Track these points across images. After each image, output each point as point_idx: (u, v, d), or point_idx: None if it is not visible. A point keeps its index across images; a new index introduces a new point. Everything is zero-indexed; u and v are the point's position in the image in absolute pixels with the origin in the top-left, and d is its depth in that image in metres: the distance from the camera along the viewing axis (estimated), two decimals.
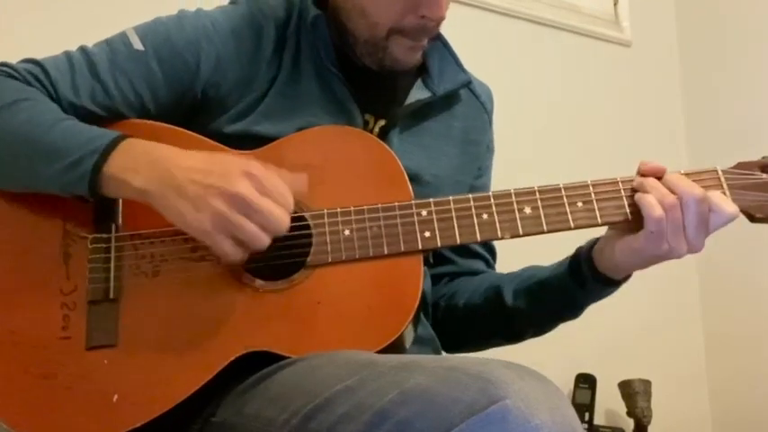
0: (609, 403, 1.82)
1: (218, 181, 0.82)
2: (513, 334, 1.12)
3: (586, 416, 1.68)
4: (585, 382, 1.71)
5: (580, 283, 1.00)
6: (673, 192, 0.90)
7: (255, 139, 0.99)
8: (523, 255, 1.08)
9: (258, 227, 0.82)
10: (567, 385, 1.74)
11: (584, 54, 2.04)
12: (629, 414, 1.74)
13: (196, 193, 0.82)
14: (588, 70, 2.04)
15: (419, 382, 0.67)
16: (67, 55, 0.99)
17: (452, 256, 1.16)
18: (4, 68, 0.96)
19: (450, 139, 1.13)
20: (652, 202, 0.90)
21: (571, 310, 1.05)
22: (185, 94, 0.99)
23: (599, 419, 1.76)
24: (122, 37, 1.00)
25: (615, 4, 2.14)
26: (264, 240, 0.83)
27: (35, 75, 0.95)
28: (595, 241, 0.99)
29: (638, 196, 0.92)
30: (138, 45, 0.98)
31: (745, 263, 1.93)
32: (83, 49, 0.99)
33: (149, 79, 0.98)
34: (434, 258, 1.14)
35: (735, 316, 1.98)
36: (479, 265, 1.18)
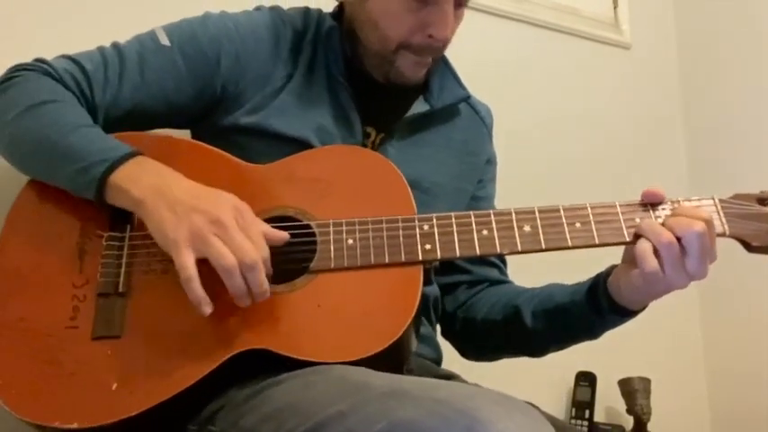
0: (609, 401, 1.82)
1: (206, 205, 0.87)
2: (536, 351, 1.15)
3: (587, 413, 1.69)
4: (586, 379, 1.72)
5: (598, 313, 1.01)
6: (673, 232, 0.89)
7: (268, 133, 1.04)
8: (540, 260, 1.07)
9: (225, 251, 0.84)
10: (568, 383, 1.75)
11: (583, 56, 2.03)
12: (629, 411, 1.74)
13: (183, 211, 0.87)
14: (588, 73, 2.03)
15: (407, 414, 0.68)
16: (101, 50, 1.05)
17: (467, 265, 1.18)
18: (43, 65, 1.01)
19: (450, 150, 1.17)
20: (646, 252, 0.90)
21: (590, 334, 1.07)
22: (205, 88, 1.05)
23: (599, 417, 1.76)
24: (151, 34, 1.06)
25: (615, 7, 2.12)
26: (229, 259, 0.83)
27: (71, 72, 1.01)
28: (610, 271, 1.00)
29: (637, 246, 0.91)
30: (165, 41, 1.05)
31: (743, 261, 1.93)
32: (115, 45, 1.06)
33: (174, 73, 1.04)
34: (450, 268, 1.17)
35: (733, 314, 1.98)
36: (494, 273, 1.20)
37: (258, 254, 0.85)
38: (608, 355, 1.81)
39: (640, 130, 2.11)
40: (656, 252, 0.90)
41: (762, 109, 2.02)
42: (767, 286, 1.88)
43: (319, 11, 1.16)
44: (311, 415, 0.74)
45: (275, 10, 1.13)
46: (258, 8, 1.14)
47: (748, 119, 2.04)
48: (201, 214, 0.86)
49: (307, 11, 1.15)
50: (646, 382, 1.75)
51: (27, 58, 1.03)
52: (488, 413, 0.65)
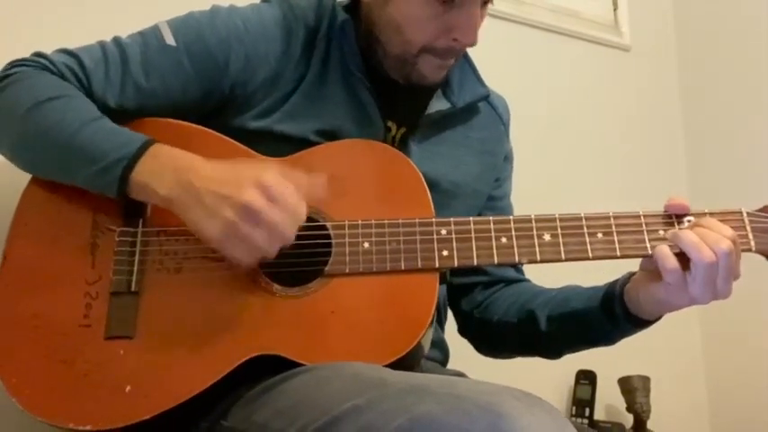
0: (609, 399, 1.83)
1: (231, 191, 0.85)
2: (550, 353, 1.14)
3: (587, 411, 1.70)
4: (586, 378, 1.73)
5: (613, 322, 1.00)
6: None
7: (277, 138, 1.01)
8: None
9: (265, 236, 0.84)
10: (569, 381, 1.76)
11: (583, 58, 2.03)
12: (629, 409, 1.74)
13: (212, 203, 0.85)
14: (588, 74, 2.03)
15: (428, 409, 0.66)
16: (102, 45, 1.00)
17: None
18: (41, 60, 0.97)
19: (469, 149, 1.14)
20: (666, 253, 0.89)
21: (607, 341, 1.05)
22: (213, 90, 1.01)
23: (599, 415, 1.77)
24: (155, 30, 1.02)
25: (615, 9, 2.12)
26: (270, 249, 0.85)
27: (70, 67, 0.97)
28: (628, 279, 0.98)
29: (656, 249, 0.90)
30: (170, 40, 1.00)
31: (744, 260, 1.93)
32: (117, 41, 1.01)
33: (179, 74, 1.00)
34: (467, 269, 1.14)
35: (732, 313, 1.97)
36: (510, 272, 1.19)
37: (294, 228, 0.86)
38: (608, 353, 1.80)
39: (640, 132, 2.11)
40: (688, 263, 0.88)
41: (762, 110, 2.01)
42: (767, 286, 1.89)
43: (333, 2, 1.10)
44: (326, 410, 0.73)
45: (286, 3, 1.07)
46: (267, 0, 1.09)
47: (748, 120, 2.04)
48: (231, 207, 0.84)
49: (320, 2, 1.09)
50: (645, 380, 1.76)
51: (27, 52, 0.99)
52: (511, 409, 0.65)
